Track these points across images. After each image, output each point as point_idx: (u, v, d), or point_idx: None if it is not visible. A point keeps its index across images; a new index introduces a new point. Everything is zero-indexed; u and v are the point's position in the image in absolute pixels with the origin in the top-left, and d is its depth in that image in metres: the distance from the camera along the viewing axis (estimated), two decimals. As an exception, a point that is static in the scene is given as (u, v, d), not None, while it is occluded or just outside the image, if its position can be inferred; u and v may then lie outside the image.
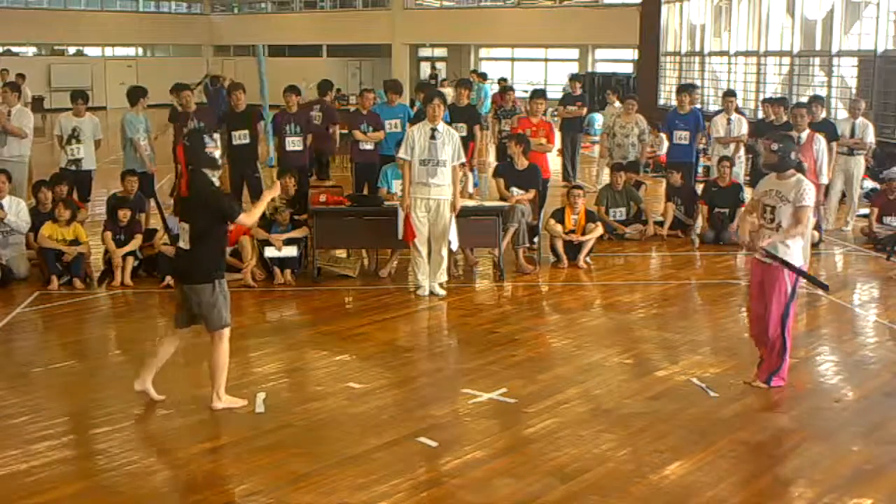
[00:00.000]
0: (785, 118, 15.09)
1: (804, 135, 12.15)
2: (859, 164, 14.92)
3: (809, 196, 8.03)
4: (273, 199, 12.31)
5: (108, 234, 12.01)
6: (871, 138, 14.74)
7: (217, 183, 7.97)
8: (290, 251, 11.96)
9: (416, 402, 8.14)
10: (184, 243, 7.78)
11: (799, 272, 8.26)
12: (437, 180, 11.22)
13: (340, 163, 22.74)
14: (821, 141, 12.18)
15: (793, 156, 8.13)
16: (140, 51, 51.74)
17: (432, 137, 11.17)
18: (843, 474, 6.83)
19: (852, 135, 14.59)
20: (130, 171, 13.32)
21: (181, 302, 8.00)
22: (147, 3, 52.30)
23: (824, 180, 12.14)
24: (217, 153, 7.83)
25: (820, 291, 10.33)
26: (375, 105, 15.14)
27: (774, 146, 8.13)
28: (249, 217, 8.00)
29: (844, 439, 7.51)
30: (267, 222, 12.41)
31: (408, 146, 11.18)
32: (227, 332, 7.91)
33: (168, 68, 41.77)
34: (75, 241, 11.93)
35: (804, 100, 23.31)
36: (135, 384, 8.04)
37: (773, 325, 8.21)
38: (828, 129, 14.71)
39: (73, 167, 13.96)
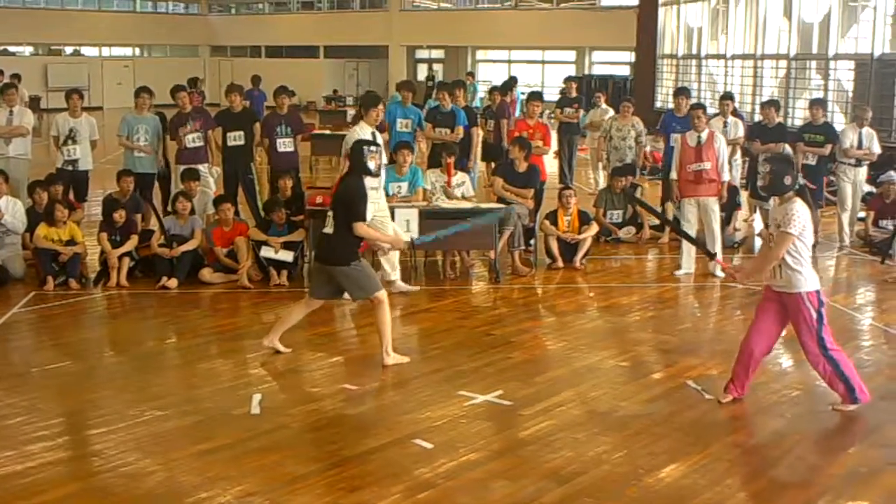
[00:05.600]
0: (777, 120, 15.13)
1: (704, 134, 12.39)
2: (864, 173, 14.92)
3: (795, 223, 7.61)
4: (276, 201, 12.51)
5: (104, 235, 12.00)
6: (877, 148, 14.69)
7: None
8: (287, 256, 11.95)
9: (411, 404, 8.13)
10: (327, 228, 8.85)
11: (691, 240, 9.61)
12: (381, 183, 11.24)
13: (337, 164, 22.75)
14: (721, 139, 12.50)
15: (787, 180, 7.74)
16: (137, 51, 51.73)
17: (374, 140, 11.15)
18: (838, 477, 6.84)
19: (860, 145, 14.52)
20: (126, 171, 13.30)
21: (317, 277, 9.28)
22: (144, 3, 52.32)
23: (726, 177, 12.44)
24: (372, 163, 8.92)
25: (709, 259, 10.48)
26: (390, 103, 15.27)
27: (766, 167, 7.93)
28: (366, 230, 8.85)
29: (840, 442, 7.54)
30: (264, 223, 12.43)
31: None
32: (380, 295, 8.90)
33: (165, 68, 41.76)
34: (71, 242, 11.92)
35: (802, 102, 23.34)
36: (263, 341, 9.28)
37: (814, 358, 7.89)
38: (828, 132, 14.72)
39: (70, 167, 13.96)
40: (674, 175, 12.71)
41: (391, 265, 11.53)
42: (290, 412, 7.90)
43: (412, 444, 7.24)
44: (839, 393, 7.94)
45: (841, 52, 24.90)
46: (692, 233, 12.38)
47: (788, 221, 7.64)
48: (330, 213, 8.90)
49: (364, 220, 8.79)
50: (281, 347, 9.24)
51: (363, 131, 11.07)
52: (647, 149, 17.88)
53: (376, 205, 11.11)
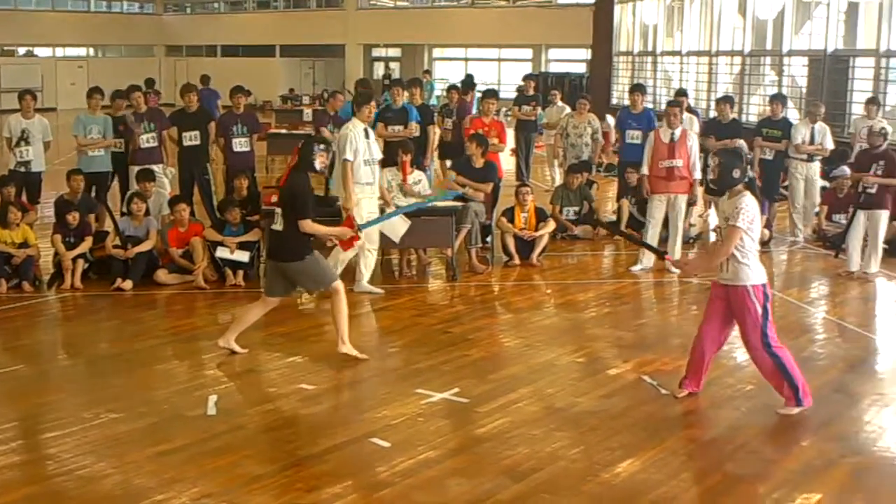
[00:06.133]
0: (732, 116, 15.27)
1: (677, 131, 12.49)
2: (817, 169, 15.00)
3: (744, 217, 7.61)
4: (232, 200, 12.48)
5: (58, 237, 11.89)
6: (829, 143, 14.75)
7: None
8: (243, 256, 11.91)
9: (368, 403, 8.14)
10: (277, 225, 8.89)
11: (637, 241, 8.85)
12: (376, 178, 11.29)
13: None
14: (694, 138, 12.68)
15: (735, 173, 7.72)
16: (91, 51, 51.29)
17: (367, 137, 11.19)
18: (792, 470, 6.90)
19: (812, 140, 14.60)
20: (76, 170, 13.15)
21: (271, 275, 9.20)
22: (98, 2, 51.86)
23: (697, 175, 12.60)
24: (318, 162, 8.91)
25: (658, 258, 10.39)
26: (344, 105, 15.43)
27: (715, 160, 7.94)
28: (313, 227, 8.87)
29: (794, 435, 7.59)
30: (219, 223, 12.38)
31: (351, 147, 11.02)
32: (336, 285, 9.02)
33: (120, 68, 41.49)
34: (24, 244, 11.80)
35: (756, 98, 23.55)
36: (219, 341, 9.23)
37: (757, 354, 7.85)
38: (785, 127, 14.87)
39: (22, 169, 13.82)
40: (645, 170, 12.78)
41: (367, 267, 11.51)
42: (246, 413, 7.88)
43: (369, 442, 7.23)
44: (783, 394, 7.88)
45: (795, 49, 25.13)
46: (657, 229, 12.53)
47: (737, 215, 7.65)
48: (278, 211, 8.92)
49: (309, 217, 8.80)
50: (237, 348, 9.21)
51: (356, 128, 11.17)
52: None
53: (370, 200, 11.17)
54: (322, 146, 9.07)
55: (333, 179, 12.11)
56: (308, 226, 8.79)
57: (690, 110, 16.68)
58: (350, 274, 11.49)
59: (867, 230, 12.54)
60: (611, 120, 21.07)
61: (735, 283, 7.77)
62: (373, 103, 11.47)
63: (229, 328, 9.34)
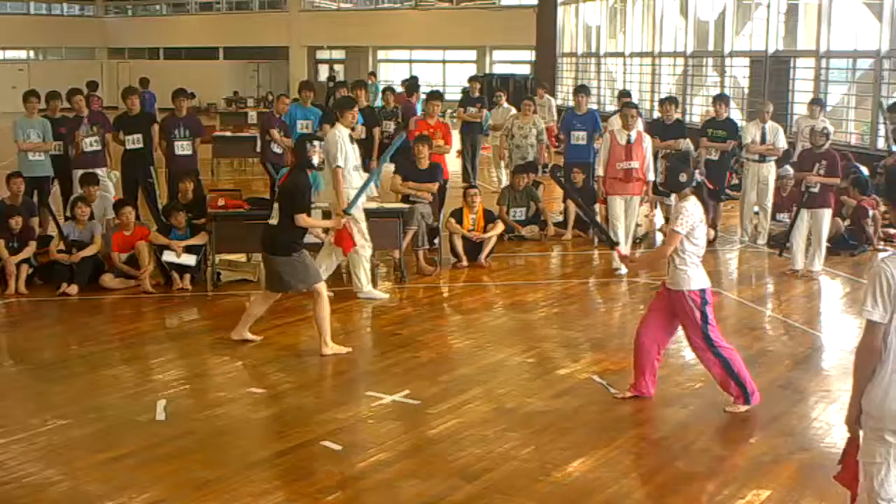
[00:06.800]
0: (676, 116, 15.37)
1: (633, 134, 12.57)
2: (771, 170, 15.01)
3: (683, 221, 7.66)
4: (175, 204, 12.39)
5: (1, 242, 11.73)
6: (782, 143, 14.78)
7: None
8: (190, 260, 11.82)
9: (319, 406, 8.11)
10: (272, 219, 9.23)
11: (591, 220, 8.83)
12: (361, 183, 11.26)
13: (239, 166, 22.59)
14: (648, 140, 12.78)
15: (682, 177, 7.78)
16: (32, 54, 50.67)
17: (351, 142, 11.20)
18: (742, 466, 6.98)
19: (763, 140, 14.66)
20: (16, 173, 12.97)
21: (268, 270, 9.48)
22: (38, 4, 51.23)
23: (651, 177, 12.66)
24: (315, 158, 9.25)
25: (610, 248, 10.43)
26: (290, 106, 15.45)
27: (663, 164, 8.02)
28: (307, 221, 9.29)
29: (743, 432, 7.66)
30: (165, 227, 12.29)
31: (342, 154, 10.94)
32: (319, 287, 9.32)
33: (61, 71, 40.99)
34: (-33, 250, 11.65)
35: (699, 99, 23.80)
36: (231, 334, 9.62)
37: (702, 353, 7.93)
38: (729, 128, 14.99)
39: (-38, 173, 13.63)
40: (600, 172, 12.79)
41: (367, 276, 11.49)
42: (196, 417, 7.83)
43: (321, 446, 7.22)
44: (730, 392, 7.96)
45: (736, 50, 25.38)
46: (622, 228, 12.55)
47: (676, 219, 7.74)
48: (276, 205, 9.28)
49: (306, 212, 9.20)
50: (250, 336, 9.64)
51: (341, 133, 11.12)
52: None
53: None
54: (315, 142, 9.38)
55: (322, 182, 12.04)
56: (303, 220, 9.18)
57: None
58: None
59: (811, 229, 12.68)
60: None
61: (674, 287, 7.86)
62: (355, 108, 11.47)
63: (240, 321, 9.70)
